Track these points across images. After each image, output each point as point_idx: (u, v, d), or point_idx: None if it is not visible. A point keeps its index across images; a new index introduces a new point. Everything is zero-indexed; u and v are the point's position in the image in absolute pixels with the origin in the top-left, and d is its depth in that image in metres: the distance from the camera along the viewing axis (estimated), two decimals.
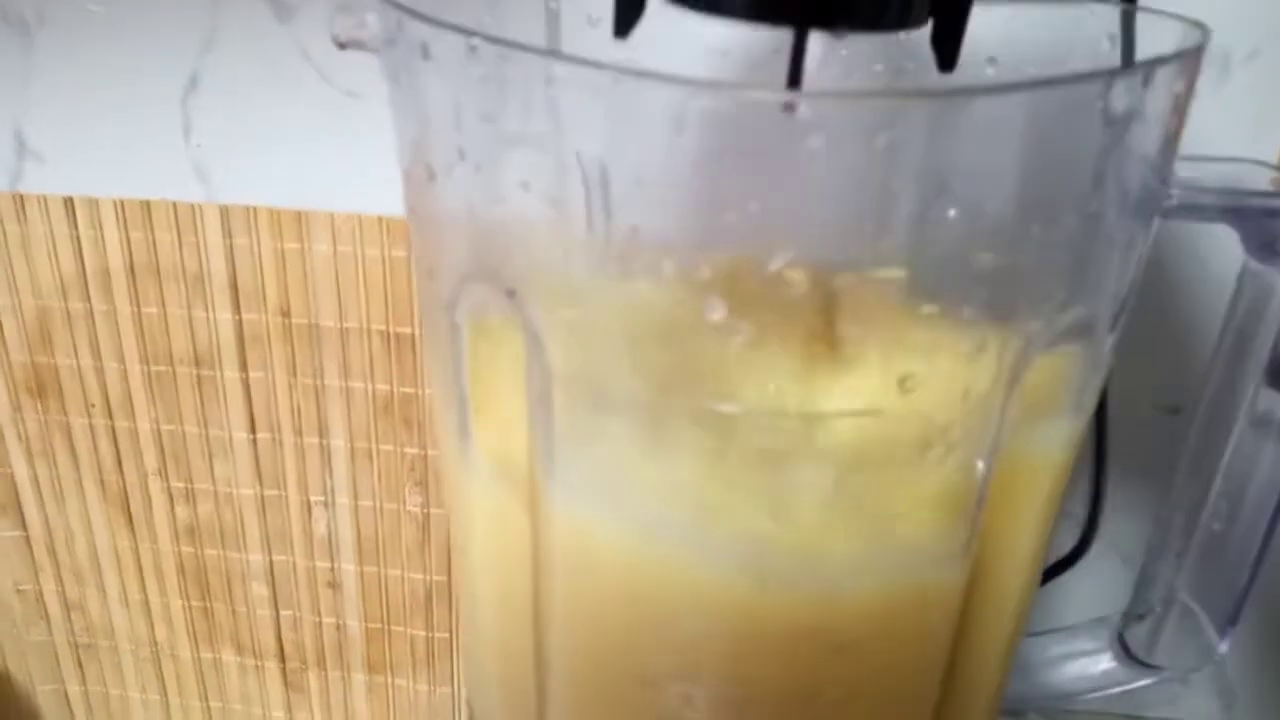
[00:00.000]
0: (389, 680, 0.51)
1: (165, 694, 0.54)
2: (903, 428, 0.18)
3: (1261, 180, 0.21)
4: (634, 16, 0.21)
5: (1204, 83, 0.24)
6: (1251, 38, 0.33)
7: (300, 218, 0.42)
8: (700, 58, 0.29)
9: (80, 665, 0.55)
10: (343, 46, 0.21)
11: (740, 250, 0.17)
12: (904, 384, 0.18)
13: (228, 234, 0.43)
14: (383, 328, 0.43)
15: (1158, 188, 0.19)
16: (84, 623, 0.53)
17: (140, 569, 0.51)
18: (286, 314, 0.43)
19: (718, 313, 0.17)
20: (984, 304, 0.18)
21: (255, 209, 0.42)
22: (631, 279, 0.18)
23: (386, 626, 0.49)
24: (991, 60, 0.25)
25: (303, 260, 0.42)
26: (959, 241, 0.17)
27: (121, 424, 0.47)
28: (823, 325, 0.18)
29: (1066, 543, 0.32)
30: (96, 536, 0.50)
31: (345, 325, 0.43)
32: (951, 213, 0.16)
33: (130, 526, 0.50)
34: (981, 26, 0.21)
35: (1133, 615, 0.28)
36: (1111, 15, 0.22)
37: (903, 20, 0.18)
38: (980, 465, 0.19)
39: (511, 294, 0.19)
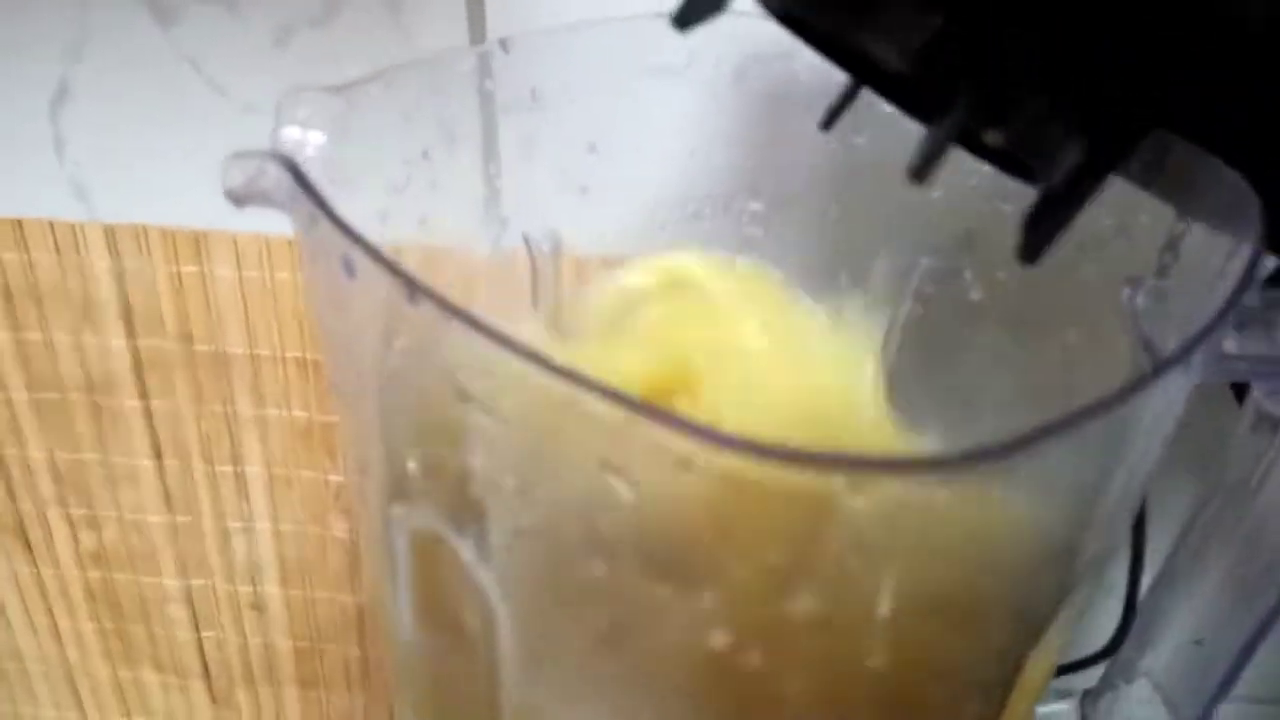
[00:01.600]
0: (323, 694, 0.49)
1: (84, 712, 0.52)
2: None
3: None
4: (707, 11, 0.18)
5: None
6: None
7: (198, 239, 0.38)
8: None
9: None
10: (241, 204, 0.17)
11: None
12: None
13: (115, 255, 0.38)
14: (299, 354, 0.39)
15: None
16: None
17: (45, 595, 0.48)
18: (189, 340, 0.40)
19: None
20: None
21: (145, 228, 0.38)
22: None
23: (317, 645, 0.47)
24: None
25: (203, 284, 0.39)
26: None
27: (10, 451, 0.44)
28: None
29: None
30: None
31: (256, 352, 0.40)
32: None
33: (29, 554, 0.46)
34: None
35: (1097, 691, 0.28)
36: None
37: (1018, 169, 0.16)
38: None
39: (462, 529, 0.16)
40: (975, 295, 0.25)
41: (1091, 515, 0.18)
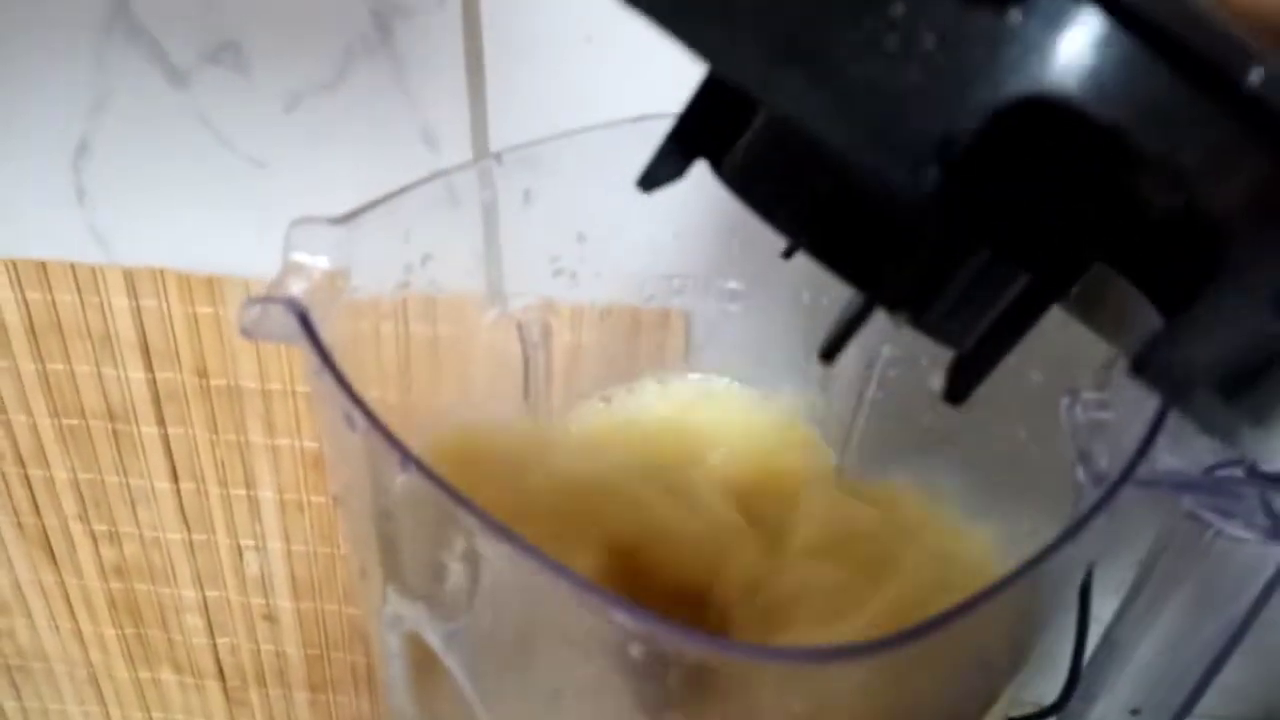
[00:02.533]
0: (330, 698, 0.52)
1: (106, 707, 0.55)
2: None
3: None
4: (666, 179, 0.19)
5: None
6: None
7: (211, 282, 0.40)
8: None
9: (15, 684, 0.54)
10: (254, 339, 0.19)
11: None
12: None
13: (133, 296, 0.40)
14: (308, 389, 0.41)
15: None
16: (14, 647, 0.53)
17: (69, 601, 0.50)
18: (204, 375, 0.42)
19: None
20: None
21: (163, 272, 0.40)
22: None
23: (326, 653, 0.50)
24: None
25: (217, 324, 0.41)
26: None
27: (36, 472, 0.46)
28: None
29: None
30: (18, 572, 0.49)
31: (268, 387, 0.42)
32: None
33: (54, 563, 0.49)
34: None
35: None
36: None
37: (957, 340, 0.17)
38: None
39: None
40: (933, 384, 0.26)
41: (1029, 618, 0.20)
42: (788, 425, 0.28)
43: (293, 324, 0.18)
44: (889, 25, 0.13)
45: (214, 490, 0.45)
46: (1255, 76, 0.12)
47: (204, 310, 0.40)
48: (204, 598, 0.49)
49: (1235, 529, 0.22)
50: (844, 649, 0.13)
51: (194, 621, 0.50)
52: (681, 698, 0.16)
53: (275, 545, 0.46)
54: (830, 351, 0.17)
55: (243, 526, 0.46)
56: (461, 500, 0.14)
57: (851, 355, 0.29)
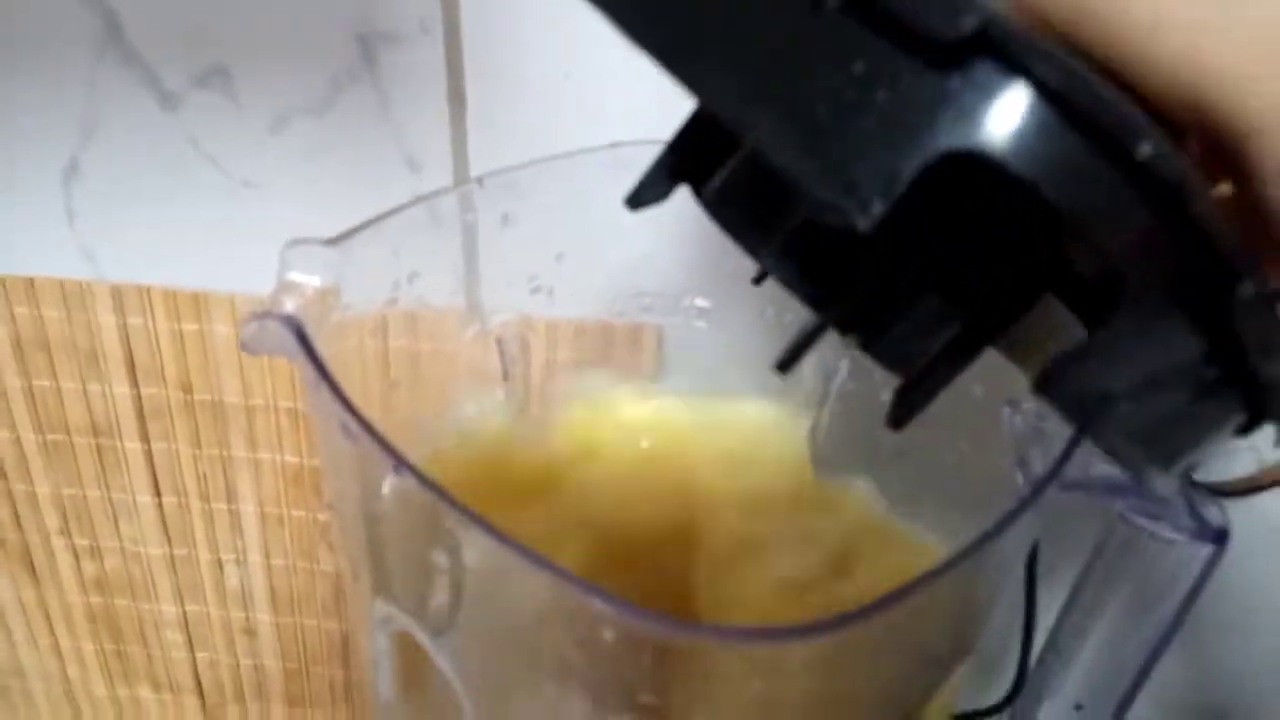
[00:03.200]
0: (308, 713, 0.52)
1: None
2: None
3: None
4: (652, 201, 0.21)
5: None
6: None
7: (198, 299, 0.41)
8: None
9: None
10: (254, 353, 0.20)
11: None
12: None
13: (120, 312, 0.41)
14: (290, 405, 0.43)
15: None
16: None
17: (48, 617, 0.51)
18: (188, 390, 0.43)
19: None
20: None
21: (149, 289, 0.41)
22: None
23: (305, 667, 0.50)
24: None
25: (202, 340, 0.42)
26: None
27: (19, 487, 0.46)
28: None
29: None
30: None
31: (251, 402, 0.43)
32: None
33: (34, 579, 0.49)
34: None
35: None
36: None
37: (902, 366, 0.19)
38: None
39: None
40: (885, 396, 0.28)
41: (971, 610, 0.22)
42: (755, 432, 0.29)
43: (290, 339, 0.20)
44: (850, 80, 0.15)
45: (196, 504, 0.46)
46: (1145, 149, 0.14)
47: (189, 327, 0.41)
48: (184, 612, 0.49)
49: (1164, 531, 0.24)
50: (791, 629, 0.15)
51: (173, 636, 0.50)
52: (653, 681, 0.17)
53: (255, 559, 0.47)
54: (785, 365, 0.19)
55: (224, 540, 0.47)
56: (447, 498, 0.16)
57: (811, 369, 0.31)
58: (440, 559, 0.18)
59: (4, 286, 0.41)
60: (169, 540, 0.47)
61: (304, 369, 0.19)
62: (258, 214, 0.39)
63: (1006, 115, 0.14)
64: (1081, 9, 0.15)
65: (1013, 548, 0.20)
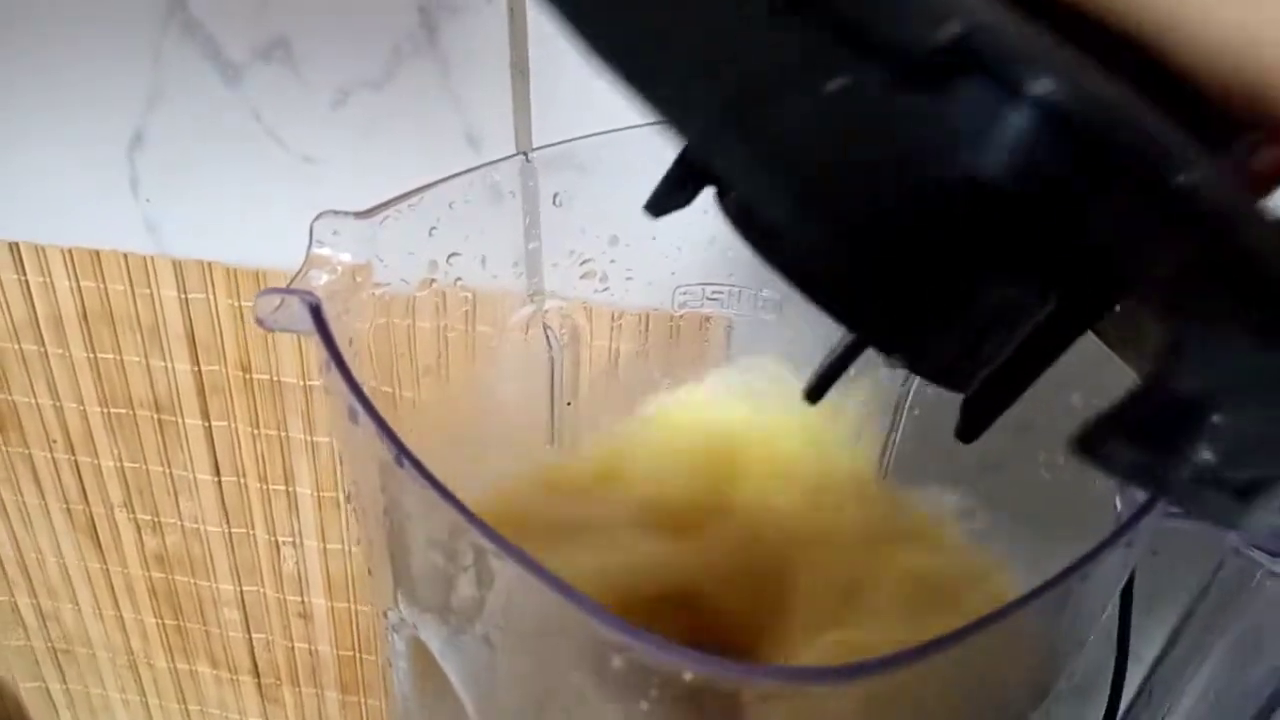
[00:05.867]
0: (362, 700, 0.51)
1: (145, 696, 0.55)
2: None
3: None
4: (673, 206, 0.19)
5: None
6: None
7: (258, 276, 0.40)
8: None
9: (60, 667, 0.55)
10: (269, 329, 0.19)
11: None
12: None
13: (182, 289, 0.41)
14: None
15: None
16: (60, 631, 0.54)
17: (112, 588, 0.51)
18: (247, 369, 0.42)
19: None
20: None
21: (210, 265, 0.40)
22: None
23: (358, 654, 0.50)
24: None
25: None
26: None
27: (84, 459, 0.47)
28: None
29: None
30: (66, 558, 0.50)
31: (309, 383, 0.42)
32: None
33: (99, 551, 0.50)
34: None
35: None
36: None
37: (956, 383, 0.16)
38: None
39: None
40: None
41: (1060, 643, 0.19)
42: (827, 429, 0.27)
43: (305, 315, 0.18)
44: (821, 101, 0.13)
45: (254, 485, 0.45)
46: (1178, 175, 0.12)
47: (249, 304, 0.41)
48: (241, 592, 0.49)
49: None
50: (839, 670, 0.12)
51: (231, 615, 0.50)
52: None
53: (311, 543, 0.46)
54: (816, 393, 0.17)
55: (280, 522, 0.46)
56: (451, 498, 0.14)
57: (885, 371, 0.28)
58: (450, 563, 0.16)
59: (72, 258, 0.41)
60: (227, 519, 0.47)
61: (318, 348, 0.18)
62: (317, 190, 0.38)
63: (1000, 138, 0.12)
64: None
65: (1104, 582, 0.17)
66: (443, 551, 0.16)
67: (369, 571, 0.20)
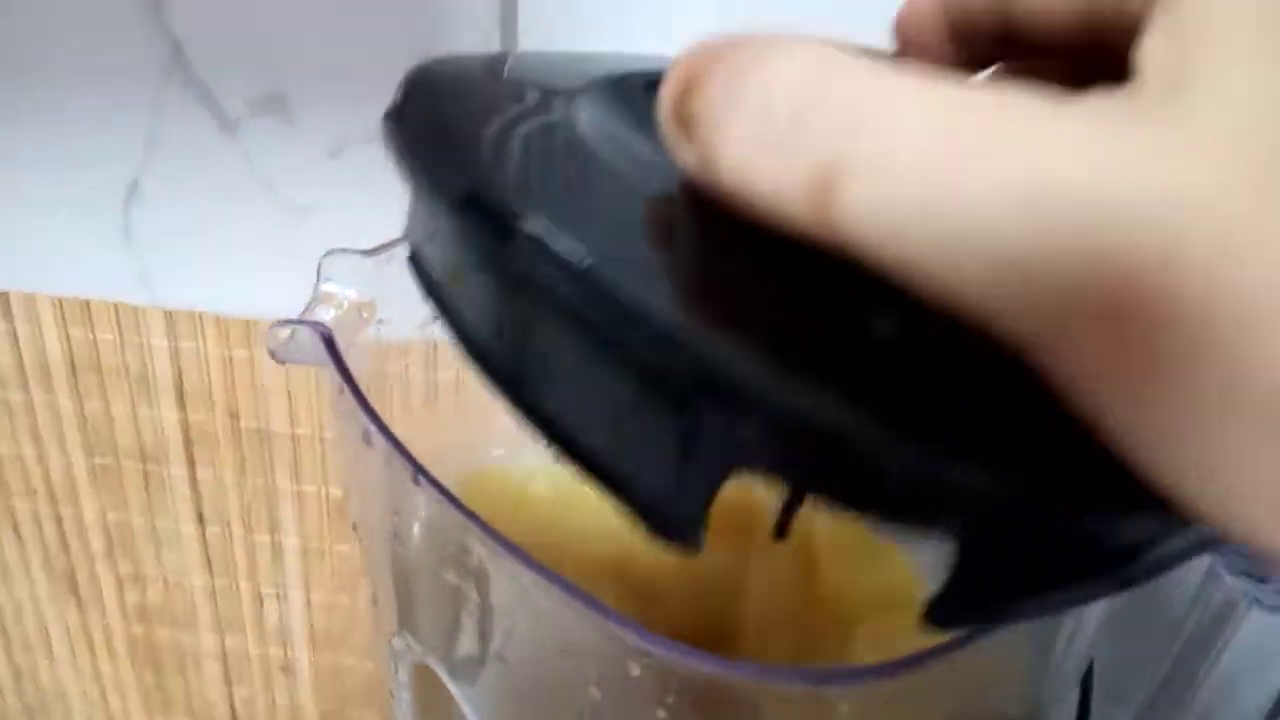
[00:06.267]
0: None
1: None
2: None
3: None
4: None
5: None
6: None
7: (249, 326, 0.40)
8: None
9: None
10: (281, 361, 0.19)
11: None
12: None
13: (173, 337, 0.41)
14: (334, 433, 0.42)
15: None
16: (34, 687, 0.53)
17: (90, 643, 0.50)
18: (235, 417, 0.42)
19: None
20: None
21: (201, 315, 0.40)
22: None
23: (342, 709, 0.49)
24: None
25: (251, 367, 0.41)
26: None
27: (66, 510, 0.46)
28: None
29: None
30: (44, 613, 0.50)
31: (297, 431, 0.42)
32: None
33: (79, 604, 0.49)
34: None
35: None
36: None
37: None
38: None
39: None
40: None
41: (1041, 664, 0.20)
42: None
43: (318, 346, 0.19)
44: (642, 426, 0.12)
45: (238, 534, 0.45)
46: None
47: (239, 353, 0.41)
48: (223, 645, 0.49)
49: (1269, 596, 0.21)
50: (838, 672, 0.13)
51: (212, 669, 0.49)
52: None
53: (295, 594, 0.46)
54: (781, 532, 0.17)
55: (265, 573, 0.46)
56: (469, 514, 0.14)
57: None
58: (463, 586, 0.16)
59: (61, 308, 0.41)
60: (211, 570, 0.46)
61: (330, 376, 0.18)
62: (311, 239, 0.38)
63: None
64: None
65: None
66: (456, 569, 0.16)
67: (374, 601, 0.20)
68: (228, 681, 0.50)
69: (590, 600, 0.13)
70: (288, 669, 0.48)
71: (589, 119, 0.16)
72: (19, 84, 0.37)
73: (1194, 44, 0.10)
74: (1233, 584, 0.22)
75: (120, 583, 0.48)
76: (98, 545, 0.47)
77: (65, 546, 0.47)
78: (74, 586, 0.48)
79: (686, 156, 0.12)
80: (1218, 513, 0.09)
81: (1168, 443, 0.09)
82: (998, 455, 0.11)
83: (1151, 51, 0.11)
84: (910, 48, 0.16)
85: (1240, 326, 0.08)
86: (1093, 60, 0.13)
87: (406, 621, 0.19)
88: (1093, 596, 0.14)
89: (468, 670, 0.17)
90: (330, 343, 0.18)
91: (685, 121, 0.12)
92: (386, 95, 0.36)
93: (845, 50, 0.11)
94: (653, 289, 0.12)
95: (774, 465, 0.12)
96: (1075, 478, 0.11)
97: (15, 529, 0.47)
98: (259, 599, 0.47)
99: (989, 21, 0.15)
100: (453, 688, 0.18)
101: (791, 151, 0.11)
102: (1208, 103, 0.09)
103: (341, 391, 0.17)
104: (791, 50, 0.11)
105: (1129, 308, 0.09)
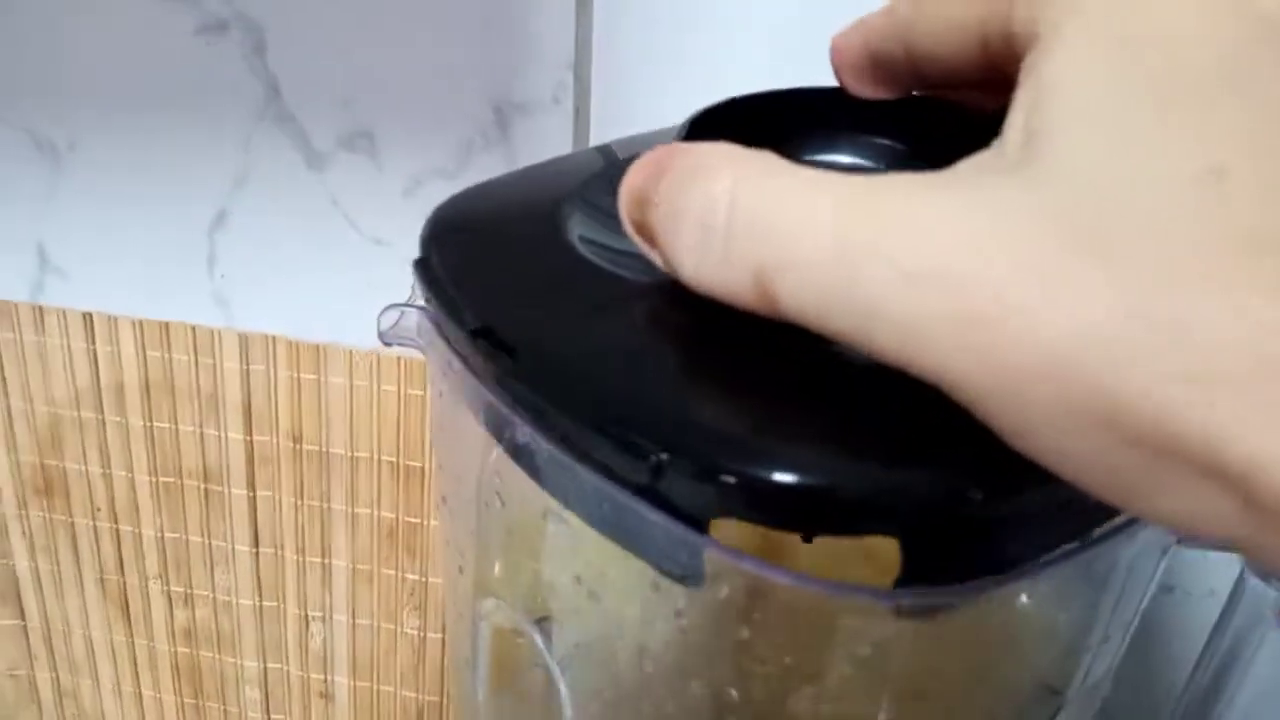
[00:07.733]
0: None
1: None
2: None
3: None
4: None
5: None
6: None
7: (319, 350, 0.43)
8: None
9: None
10: (389, 343, 0.21)
11: None
12: None
13: (245, 360, 0.43)
14: (393, 459, 0.44)
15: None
16: (76, 709, 0.54)
17: (135, 664, 0.51)
18: (298, 439, 0.44)
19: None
20: None
21: (274, 338, 0.43)
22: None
23: None
24: None
25: (318, 390, 0.43)
26: None
27: (125, 528, 0.48)
28: None
29: None
30: (93, 630, 0.51)
31: (356, 454, 0.44)
32: None
33: (128, 623, 0.50)
34: None
35: None
36: None
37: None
38: None
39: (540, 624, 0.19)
40: None
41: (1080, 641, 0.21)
42: None
43: (426, 327, 0.21)
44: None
45: (290, 556, 0.46)
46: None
47: (307, 376, 0.43)
48: (264, 669, 0.50)
49: None
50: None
51: (252, 694, 0.50)
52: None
53: (341, 618, 0.47)
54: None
55: (312, 595, 0.47)
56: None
57: None
58: (558, 532, 0.18)
59: (141, 329, 0.44)
60: (259, 591, 0.48)
61: (435, 354, 0.20)
62: (384, 272, 0.41)
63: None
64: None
65: (1120, 573, 0.19)
66: (555, 519, 0.18)
67: (459, 570, 0.22)
68: (266, 707, 0.50)
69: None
70: (327, 695, 0.49)
71: (578, 221, 0.20)
72: (121, 114, 0.40)
73: (1044, 109, 0.12)
74: (1262, 592, 0.23)
75: (170, 602, 0.49)
76: (152, 564, 0.48)
77: (120, 564, 0.49)
78: (125, 605, 0.50)
79: (654, 259, 0.15)
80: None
81: (1029, 445, 0.12)
82: (929, 464, 0.14)
83: (1011, 114, 0.13)
84: (843, 76, 0.19)
85: (1056, 365, 0.11)
86: (1002, 82, 0.15)
87: (491, 585, 0.20)
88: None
89: (560, 618, 0.19)
90: (438, 323, 0.20)
91: (644, 233, 0.15)
92: (460, 133, 0.39)
93: (755, 159, 0.14)
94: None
95: (749, 513, 0.14)
96: (988, 470, 0.14)
97: (74, 546, 0.49)
98: (305, 622, 0.48)
99: (900, 54, 0.17)
100: (538, 640, 0.19)
101: (730, 260, 0.14)
102: (1049, 171, 0.12)
103: (450, 365, 0.19)
104: (713, 170, 0.14)
105: (991, 352, 0.12)
